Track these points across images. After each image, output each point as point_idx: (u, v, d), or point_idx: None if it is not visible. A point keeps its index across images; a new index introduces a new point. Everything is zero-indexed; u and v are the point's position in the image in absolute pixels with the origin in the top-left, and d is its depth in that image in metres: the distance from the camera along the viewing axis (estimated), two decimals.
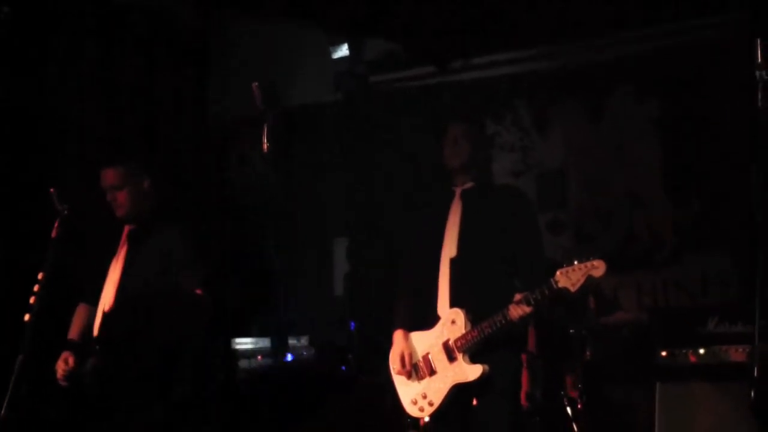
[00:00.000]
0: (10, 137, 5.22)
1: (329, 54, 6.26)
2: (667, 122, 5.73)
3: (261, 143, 3.73)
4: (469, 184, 3.99)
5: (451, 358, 3.75)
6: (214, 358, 4.91)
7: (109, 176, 4.18)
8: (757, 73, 3.02)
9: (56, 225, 4.06)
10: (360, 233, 6.59)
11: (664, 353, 4.38)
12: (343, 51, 6.19)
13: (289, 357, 5.49)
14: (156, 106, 6.23)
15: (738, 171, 5.34)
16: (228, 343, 5.32)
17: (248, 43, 6.80)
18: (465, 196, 3.97)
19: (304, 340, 5.58)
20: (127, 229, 4.25)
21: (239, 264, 6.36)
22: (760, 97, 3.01)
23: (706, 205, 5.51)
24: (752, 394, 2.96)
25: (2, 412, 3.76)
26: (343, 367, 5.61)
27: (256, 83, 2.89)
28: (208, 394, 4.60)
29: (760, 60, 3.02)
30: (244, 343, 5.51)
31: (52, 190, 4.08)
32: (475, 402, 3.80)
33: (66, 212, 4.06)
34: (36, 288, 3.90)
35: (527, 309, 3.60)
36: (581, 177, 6.03)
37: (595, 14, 5.80)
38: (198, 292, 3.95)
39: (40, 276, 3.92)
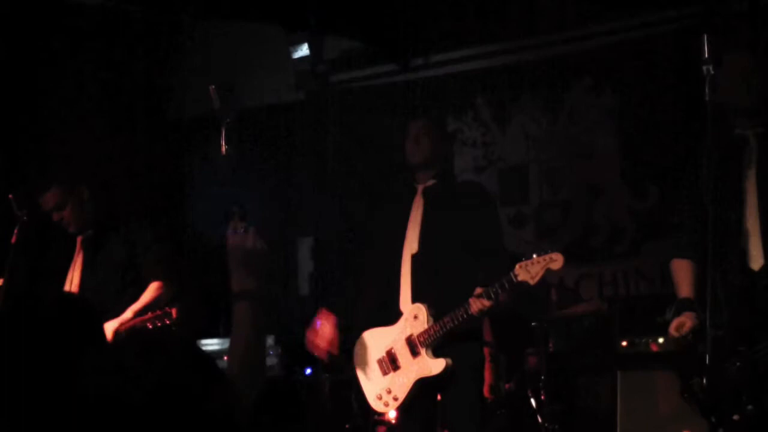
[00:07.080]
0: None
1: (289, 54, 6.24)
2: (623, 114, 5.80)
3: (219, 145, 3.71)
4: (430, 182, 4.03)
5: (415, 352, 3.78)
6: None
7: (49, 200, 4.18)
8: (704, 67, 3.08)
9: (15, 231, 4.05)
10: (324, 232, 6.60)
11: (624, 343, 4.44)
12: (303, 50, 6.18)
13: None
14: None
15: (693, 160, 5.44)
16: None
17: (208, 43, 6.77)
18: (426, 193, 4.01)
19: (270, 340, 5.58)
20: (80, 238, 4.26)
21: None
22: (707, 90, 3.07)
23: (663, 195, 5.58)
24: (703, 380, 3.02)
25: None
26: (309, 369, 5.63)
27: (213, 86, 2.86)
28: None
29: (707, 55, 3.08)
30: (210, 344, 5.50)
31: (11, 196, 4.07)
32: (439, 396, 3.84)
33: (25, 218, 4.06)
34: None
35: (487, 303, 3.64)
36: (541, 170, 6.09)
37: (551, 11, 5.88)
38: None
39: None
